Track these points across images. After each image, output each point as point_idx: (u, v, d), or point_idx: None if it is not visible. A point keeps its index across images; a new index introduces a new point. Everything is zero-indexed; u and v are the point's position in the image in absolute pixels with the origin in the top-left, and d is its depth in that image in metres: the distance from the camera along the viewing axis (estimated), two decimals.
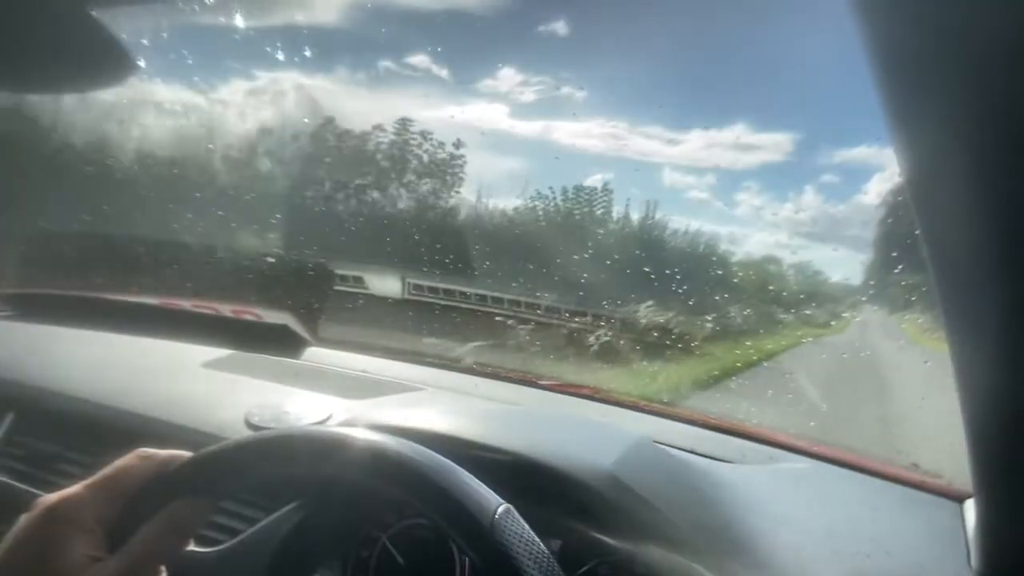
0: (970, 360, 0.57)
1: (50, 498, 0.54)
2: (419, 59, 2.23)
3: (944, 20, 0.39)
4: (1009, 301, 0.49)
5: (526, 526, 0.52)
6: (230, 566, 0.81)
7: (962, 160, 0.44)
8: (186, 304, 1.50)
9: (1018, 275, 0.47)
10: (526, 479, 0.75)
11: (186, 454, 0.60)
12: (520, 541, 0.50)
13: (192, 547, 0.60)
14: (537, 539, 0.51)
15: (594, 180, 2.15)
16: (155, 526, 0.56)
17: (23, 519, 0.54)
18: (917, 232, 0.51)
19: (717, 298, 1.61)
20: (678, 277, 1.61)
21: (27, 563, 0.52)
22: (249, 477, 0.61)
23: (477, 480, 0.54)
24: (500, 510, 0.51)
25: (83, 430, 1.03)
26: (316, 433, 0.58)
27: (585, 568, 0.80)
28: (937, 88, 0.42)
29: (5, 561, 0.52)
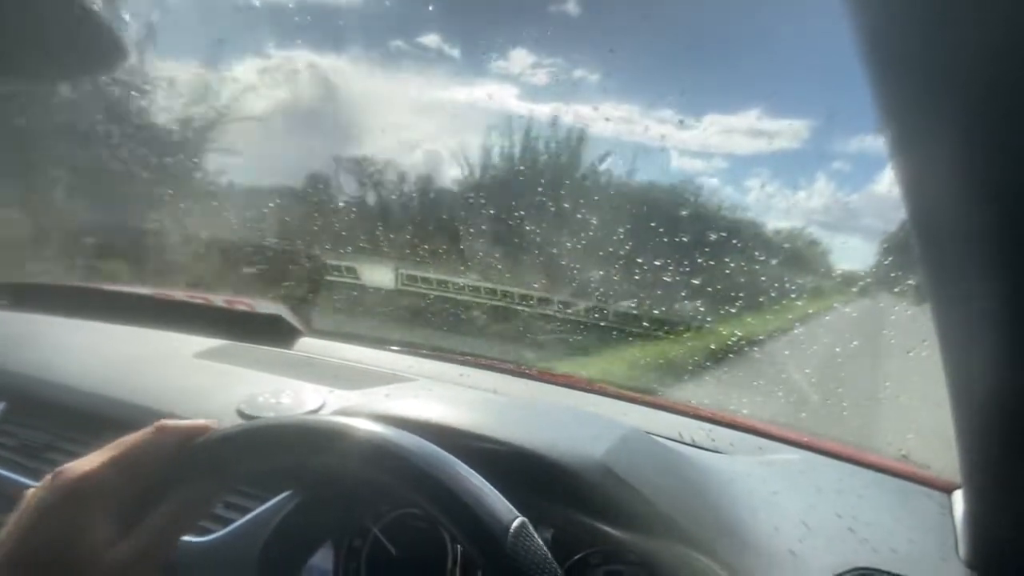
0: (958, 351, 0.58)
1: (71, 473, 0.53)
2: (428, 39, 2.22)
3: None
4: (998, 291, 0.49)
5: (540, 542, 0.51)
6: (222, 555, 0.81)
7: (952, 147, 0.44)
8: (179, 294, 1.50)
9: (1008, 264, 0.47)
10: (518, 469, 0.75)
11: (209, 423, 0.60)
12: (533, 558, 0.50)
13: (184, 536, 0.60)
14: (551, 557, 0.51)
15: (598, 165, 2.13)
16: (170, 507, 0.55)
17: (41, 491, 0.53)
18: (904, 218, 0.51)
19: (710, 288, 1.61)
20: (670, 267, 1.61)
21: (47, 542, 0.51)
22: (267, 461, 0.61)
23: (492, 488, 0.54)
24: (515, 524, 0.51)
25: (75, 420, 1.03)
26: (337, 424, 0.58)
27: (577, 557, 0.80)
28: (925, 73, 0.42)
29: (24, 536, 0.51)
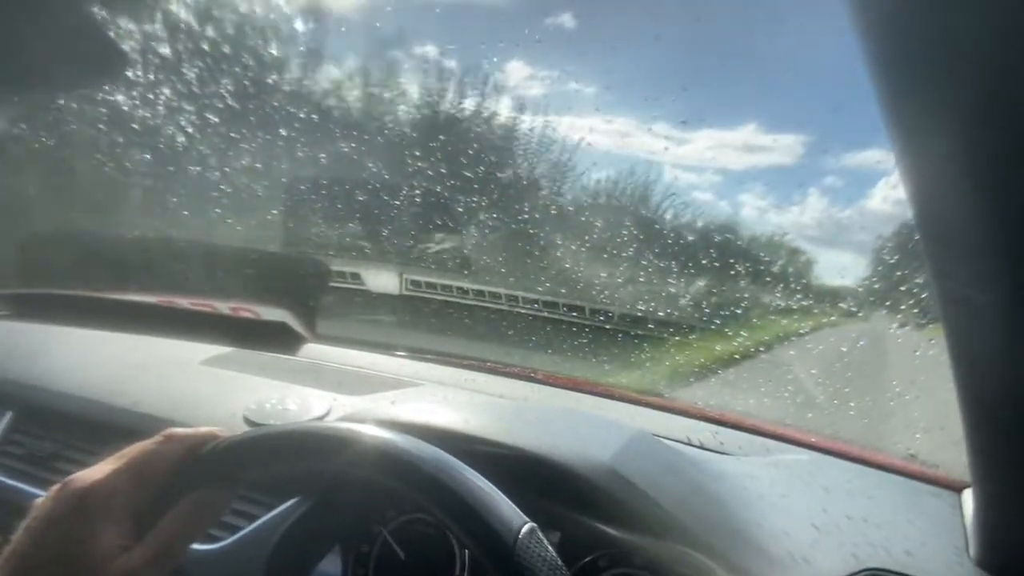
0: (967, 350, 0.57)
1: (80, 483, 0.53)
2: (423, 50, 2.23)
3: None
4: (1005, 288, 0.49)
5: (550, 548, 0.51)
6: (230, 562, 0.81)
7: (958, 145, 0.44)
8: (184, 302, 1.50)
9: (1016, 261, 0.47)
10: (525, 472, 0.75)
11: (216, 431, 0.60)
12: (543, 564, 0.50)
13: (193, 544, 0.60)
14: (560, 563, 0.51)
15: (598, 175, 2.15)
16: (180, 513, 0.55)
17: (50, 500, 0.53)
18: (911, 218, 0.51)
19: (715, 291, 1.61)
20: (675, 270, 1.61)
21: (57, 552, 0.51)
22: (274, 468, 0.61)
23: (501, 493, 0.53)
24: (524, 530, 0.51)
25: (82, 428, 1.03)
26: (344, 430, 0.58)
27: (585, 560, 0.80)
28: (932, 76, 0.42)
29: (33, 546, 0.51)
